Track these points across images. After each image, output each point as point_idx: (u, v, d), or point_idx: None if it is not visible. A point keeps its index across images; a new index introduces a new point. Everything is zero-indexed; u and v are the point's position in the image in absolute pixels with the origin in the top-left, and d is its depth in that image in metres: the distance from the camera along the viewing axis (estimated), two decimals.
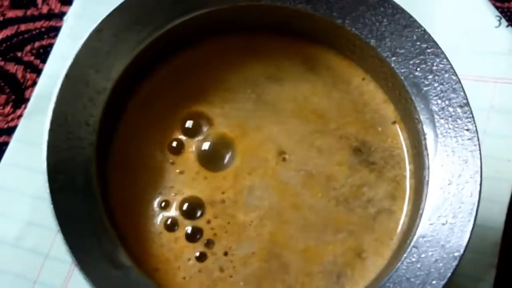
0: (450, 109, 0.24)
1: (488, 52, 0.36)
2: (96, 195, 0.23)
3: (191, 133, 0.27)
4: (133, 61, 0.24)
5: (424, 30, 0.24)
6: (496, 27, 0.36)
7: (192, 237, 0.25)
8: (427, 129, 0.24)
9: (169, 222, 0.25)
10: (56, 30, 0.38)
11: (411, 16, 0.25)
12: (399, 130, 0.27)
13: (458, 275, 0.32)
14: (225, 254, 0.25)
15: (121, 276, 0.22)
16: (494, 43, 0.35)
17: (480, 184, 0.22)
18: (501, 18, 0.36)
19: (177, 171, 0.26)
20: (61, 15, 0.38)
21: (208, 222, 0.25)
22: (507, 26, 0.35)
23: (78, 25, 0.37)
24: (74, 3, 0.37)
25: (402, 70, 0.25)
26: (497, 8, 0.36)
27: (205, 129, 0.27)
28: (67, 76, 0.23)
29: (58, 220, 0.21)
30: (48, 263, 0.32)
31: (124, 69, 0.24)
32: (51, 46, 0.37)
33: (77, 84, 0.23)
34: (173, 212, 0.25)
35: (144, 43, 0.24)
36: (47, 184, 0.22)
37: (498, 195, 0.33)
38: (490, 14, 0.36)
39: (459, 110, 0.24)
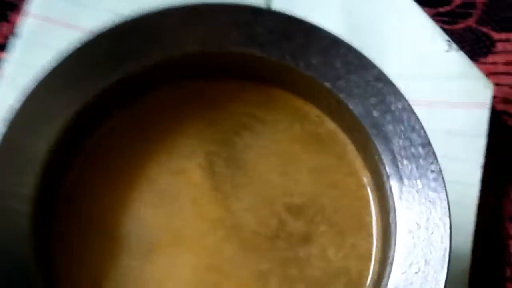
0: (412, 149, 0.23)
1: (440, 76, 0.35)
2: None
3: None
4: (72, 121, 0.23)
5: (379, 70, 0.23)
6: (447, 51, 0.36)
7: None
8: (390, 171, 0.23)
9: None
10: None
11: (364, 56, 0.24)
12: (362, 171, 0.26)
13: None
14: None
15: None
16: (445, 67, 0.35)
17: (450, 227, 0.22)
18: (450, 42, 0.36)
19: None
20: None
21: None
22: (457, 49, 0.35)
23: (19, 72, 0.34)
24: (15, 50, 0.35)
25: (360, 111, 0.24)
26: (446, 31, 0.36)
27: None
28: None
29: None
30: None
31: (62, 130, 0.22)
32: None
33: (9, 151, 0.21)
34: None
35: (80, 103, 0.23)
36: None
37: (463, 221, 0.33)
38: (440, 39, 0.36)
39: (421, 149, 0.23)
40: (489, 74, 0.36)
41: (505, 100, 0.37)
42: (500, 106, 0.37)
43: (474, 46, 0.38)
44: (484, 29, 0.38)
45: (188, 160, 0.25)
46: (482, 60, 0.38)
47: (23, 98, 0.22)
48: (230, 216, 0.24)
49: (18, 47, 0.35)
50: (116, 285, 0.23)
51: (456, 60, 0.35)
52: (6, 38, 0.37)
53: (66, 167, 0.25)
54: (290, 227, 0.25)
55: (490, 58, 0.38)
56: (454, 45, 0.35)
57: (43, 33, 0.35)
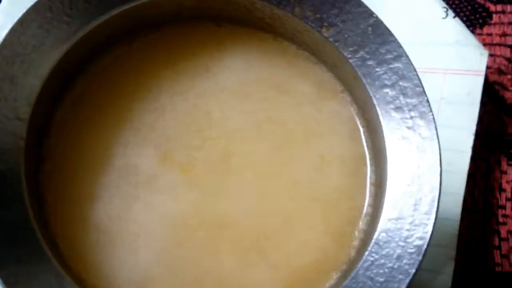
0: (407, 99, 0.23)
1: (436, 43, 0.35)
2: (26, 203, 0.20)
3: None
4: (65, 56, 0.22)
5: (377, 17, 0.23)
6: (443, 18, 0.35)
7: None
8: (384, 119, 0.23)
9: None
10: None
11: (361, 4, 0.24)
12: (356, 118, 0.25)
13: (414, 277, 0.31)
14: None
15: None
16: (441, 34, 0.35)
17: (440, 175, 0.22)
18: (447, 9, 0.35)
19: None
20: None
21: None
22: (454, 17, 0.35)
23: (7, 24, 0.34)
24: (3, 1, 0.35)
25: (355, 59, 0.24)
26: (443, 0, 0.36)
27: None
28: None
29: None
30: None
31: (54, 65, 0.22)
32: None
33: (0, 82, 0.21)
34: None
35: (75, 36, 0.22)
36: None
37: (453, 187, 0.33)
38: (437, 5, 0.36)
39: (415, 100, 0.23)
40: (484, 45, 0.36)
41: (499, 71, 0.37)
42: (494, 77, 0.37)
43: (471, 17, 0.38)
44: (481, 1, 0.38)
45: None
46: (478, 31, 0.38)
47: (16, 28, 0.21)
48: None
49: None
50: (104, 203, 0.23)
51: (452, 27, 0.35)
52: None
53: (60, 96, 0.24)
54: None
55: (486, 29, 0.38)
56: (451, 12, 0.35)
57: None
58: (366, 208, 0.24)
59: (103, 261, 0.23)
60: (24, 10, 0.23)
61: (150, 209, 0.24)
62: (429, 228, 0.21)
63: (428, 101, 0.23)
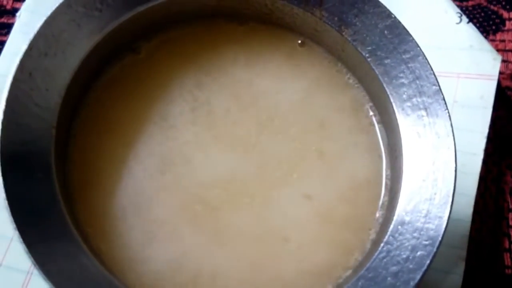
0: (423, 97, 0.24)
1: (450, 47, 0.36)
2: (55, 187, 0.21)
3: None
4: (94, 50, 0.23)
5: (395, 17, 0.24)
6: (457, 23, 0.36)
7: None
8: (400, 116, 0.24)
9: None
10: (8, 27, 0.36)
11: (381, 4, 0.24)
12: (374, 120, 0.26)
13: (428, 269, 0.31)
14: None
15: (82, 272, 0.20)
16: (455, 38, 0.36)
17: (455, 170, 0.22)
18: (461, 15, 0.36)
19: None
20: (13, 12, 0.36)
21: None
22: (468, 22, 0.36)
23: (31, 21, 0.35)
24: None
25: (373, 58, 0.25)
26: (457, 7, 0.37)
27: None
28: (21, 65, 0.22)
29: (14, 218, 0.20)
30: (1, 272, 0.30)
31: (84, 57, 0.23)
32: (2, 43, 0.35)
33: (33, 73, 0.22)
34: None
35: (105, 30, 0.23)
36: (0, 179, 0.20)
37: (465, 188, 0.33)
38: (451, 11, 0.36)
39: (431, 98, 0.24)
40: (497, 51, 0.37)
41: None
42: (507, 83, 0.38)
43: (484, 24, 0.39)
44: (495, 7, 0.39)
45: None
46: (491, 37, 0.38)
47: (50, 21, 0.22)
48: None
49: None
50: (127, 185, 0.23)
51: (466, 32, 0.36)
52: None
53: (88, 87, 0.25)
54: None
55: (499, 36, 0.38)
56: (464, 18, 0.36)
57: None
58: (382, 202, 0.24)
59: (124, 242, 0.23)
60: (48, 7, 0.24)
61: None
62: (444, 221, 0.21)
63: (444, 99, 0.23)
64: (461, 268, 0.32)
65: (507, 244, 0.34)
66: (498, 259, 0.34)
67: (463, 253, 0.32)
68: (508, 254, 0.34)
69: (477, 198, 0.33)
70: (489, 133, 0.34)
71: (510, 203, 0.35)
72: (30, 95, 0.22)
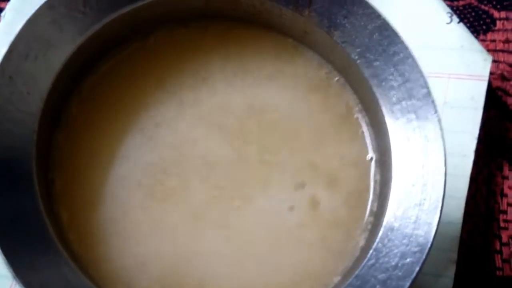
0: (413, 100, 0.23)
1: (440, 48, 0.36)
2: (36, 194, 0.21)
3: None
4: (77, 52, 0.23)
5: (384, 19, 0.24)
6: (448, 23, 0.36)
7: None
8: (389, 120, 0.24)
9: None
10: None
11: (370, 6, 0.24)
12: (362, 122, 0.26)
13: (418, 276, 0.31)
14: None
15: (66, 285, 0.20)
16: (446, 39, 0.36)
17: (445, 175, 0.22)
18: (452, 15, 0.36)
19: None
20: None
21: None
22: (458, 22, 0.36)
23: (16, 21, 0.34)
24: None
25: (362, 60, 0.24)
26: (447, 6, 0.36)
27: None
28: (1, 68, 0.21)
29: None
30: None
31: (66, 60, 0.22)
32: None
33: (14, 76, 0.21)
34: None
35: (87, 33, 0.23)
36: None
37: (456, 190, 0.33)
38: (441, 11, 0.36)
39: (420, 101, 0.23)
40: (488, 51, 0.37)
41: (502, 77, 0.37)
42: (497, 83, 0.37)
43: (474, 23, 0.39)
44: (485, 7, 0.39)
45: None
46: (482, 37, 0.38)
47: (30, 22, 0.22)
48: None
49: None
50: (111, 202, 0.23)
51: (456, 32, 0.35)
52: None
53: (71, 91, 0.25)
54: None
55: (490, 36, 0.38)
56: (455, 18, 0.36)
57: None
58: (370, 207, 0.24)
59: (109, 251, 0.23)
60: (32, 7, 0.23)
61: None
62: (433, 227, 0.21)
63: (434, 102, 0.23)
64: (451, 271, 0.32)
65: (498, 246, 0.34)
66: (489, 261, 0.34)
67: (454, 255, 0.32)
68: (499, 256, 0.34)
69: (468, 200, 0.33)
70: (479, 134, 0.34)
71: (501, 205, 0.35)
72: (11, 99, 0.21)
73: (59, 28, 0.22)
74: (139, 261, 0.23)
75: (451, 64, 0.35)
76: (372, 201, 0.24)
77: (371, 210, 0.24)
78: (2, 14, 0.35)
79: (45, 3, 0.22)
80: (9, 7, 0.35)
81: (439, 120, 0.23)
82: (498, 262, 0.34)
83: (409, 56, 0.23)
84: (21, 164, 0.21)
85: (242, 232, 0.24)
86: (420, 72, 0.23)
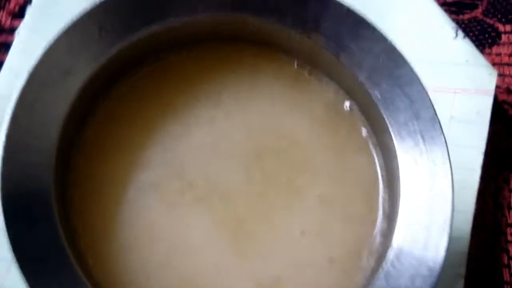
0: (420, 122, 0.24)
1: (446, 62, 0.36)
2: (56, 223, 0.21)
3: None
4: (93, 76, 0.23)
5: (390, 41, 0.24)
6: (454, 38, 0.36)
7: None
8: (397, 142, 0.24)
9: None
10: (6, 46, 0.35)
11: (376, 28, 0.24)
12: (370, 142, 0.26)
13: None
14: None
15: None
16: (452, 53, 0.36)
17: (452, 199, 0.22)
18: (457, 30, 0.36)
19: None
20: (11, 30, 0.36)
21: None
22: (464, 37, 0.36)
23: (31, 39, 0.35)
24: (26, 17, 0.35)
25: (369, 83, 0.25)
26: (452, 21, 0.37)
27: None
28: (20, 99, 0.21)
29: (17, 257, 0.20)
30: None
31: (81, 87, 0.23)
32: (1, 63, 0.35)
33: (32, 106, 0.22)
34: None
35: (102, 59, 0.23)
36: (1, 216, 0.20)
37: (463, 205, 0.33)
38: (447, 26, 0.36)
39: (428, 122, 0.24)
40: (493, 65, 0.37)
41: (508, 91, 0.38)
42: (503, 97, 0.38)
43: (480, 37, 0.39)
44: (490, 21, 0.39)
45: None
46: (487, 51, 0.38)
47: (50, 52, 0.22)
48: None
49: (29, 15, 0.35)
50: (129, 221, 0.23)
51: (462, 47, 0.36)
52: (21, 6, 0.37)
53: (87, 116, 0.25)
54: None
55: (495, 49, 0.38)
56: (460, 33, 0.36)
57: (54, 2, 0.35)
58: (379, 230, 0.24)
59: (128, 275, 0.23)
60: (46, 25, 0.23)
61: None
62: (442, 250, 0.21)
63: (440, 125, 0.23)
64: (460, 286, 0.32)
65: (506, 260, 0.34)
66: (497, 275, 0.34)
67: (462, 270, 0.32)
68: (507, 270, 0.34)
69: (475, 214, 0.33)
70: (486, 148, 0.34)
71: (508, 218, 0.35)
72: (30, 130, 0.22)
73: (76, 55, 0.23)
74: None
75: (457, 78, 0.35)
76: (381, 221, 0.24)
77: (380, 230, 0.24)
78: (17, 31, 0.35)
79: (63, 31, 0.22)
80: (23, 25, 0.35)
81: (446, 142, 0.23)
82: (506, 276, 0.34)
83: (415, 78, 0.24)
84: (41, 192, 0.21)
85: (258, 252, 0.24)
86: (426, 95, 0.24)
